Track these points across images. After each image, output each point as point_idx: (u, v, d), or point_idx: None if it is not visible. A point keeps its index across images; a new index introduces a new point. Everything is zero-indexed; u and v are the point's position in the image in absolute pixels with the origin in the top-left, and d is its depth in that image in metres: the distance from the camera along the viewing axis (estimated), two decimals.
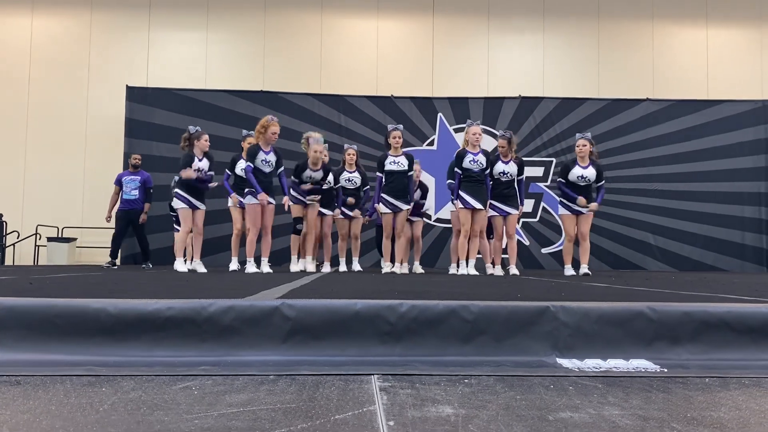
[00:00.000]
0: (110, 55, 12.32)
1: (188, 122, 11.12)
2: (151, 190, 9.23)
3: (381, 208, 7.06)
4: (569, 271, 7.20)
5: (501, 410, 1.46)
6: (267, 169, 6.61)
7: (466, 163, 6.85)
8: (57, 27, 12.36)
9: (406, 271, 7.14)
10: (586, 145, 7.10)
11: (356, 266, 7.71)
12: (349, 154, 7.85)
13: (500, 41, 12.76)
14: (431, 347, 2.08)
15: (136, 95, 11.20)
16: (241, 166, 7.26)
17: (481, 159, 6.85)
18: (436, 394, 1.61)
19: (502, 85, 12.17)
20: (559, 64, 12.70)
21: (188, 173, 6.72)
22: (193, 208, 6.85)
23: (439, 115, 11.61)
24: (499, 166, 7.12)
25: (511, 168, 7.13)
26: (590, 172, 7.06)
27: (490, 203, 7.03)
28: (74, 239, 11.48)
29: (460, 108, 11.64)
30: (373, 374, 1.85)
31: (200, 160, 6.88)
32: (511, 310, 2.14)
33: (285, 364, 1.97)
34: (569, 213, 7.16)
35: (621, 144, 11.42)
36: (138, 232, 9.16)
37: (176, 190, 6.90)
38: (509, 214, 7.13)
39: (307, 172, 7.14)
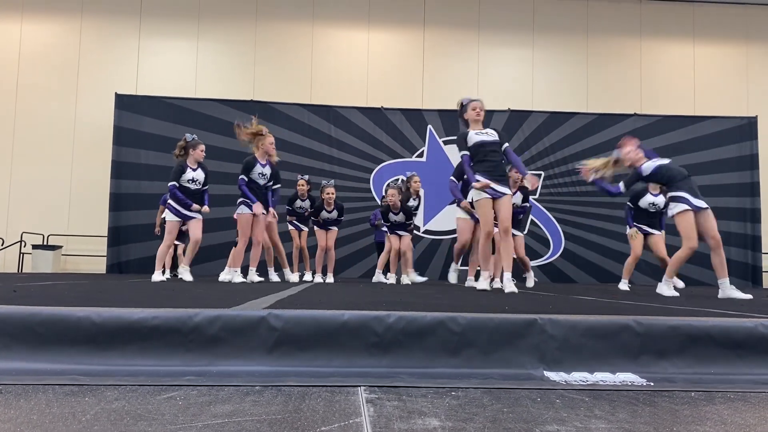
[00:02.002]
0: (100, 62, 12.28)
1: (178, 131, 11.12)
2: None
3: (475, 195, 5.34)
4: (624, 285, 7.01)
5: (488, 423, 1.45)
6: (262, 182, 6.67)
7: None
8: (46, 33, 12.31)
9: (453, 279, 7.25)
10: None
11: (330, 279, 7.98)
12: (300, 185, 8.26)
13: (490, 55, 12.87)
14: (418, 359, 2.07)
15: (125, 103, 11.15)
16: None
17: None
18: (423, 406, 1.61)
19: (491, 98, 12.19)
20: (548, 78, 12.81)
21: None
22: (187, 219, 6.75)
23: (429, 126, 11.65)
24: None
25: (516, 197, 7.36)
26: (661, 199, 7.03)
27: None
28: (60, 247, 11.38)
29: (450, 120, 11.69)
30: (359, 386, 1.84)
31: (194, 170, 6.74)
32: (498, 322, 2.14)
33: (271, 374, 1.95)
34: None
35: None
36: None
37: (169, 201, 6.75)
38: (515, 235, 7.31)
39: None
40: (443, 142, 11.65)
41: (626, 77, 12.87)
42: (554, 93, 12.62)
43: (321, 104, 11.58)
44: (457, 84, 12.66)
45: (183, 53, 12.45)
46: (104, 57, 12.31)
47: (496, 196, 5.21)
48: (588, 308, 3.10)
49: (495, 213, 5.24)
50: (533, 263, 11.45)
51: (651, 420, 1.52)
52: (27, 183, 11.86)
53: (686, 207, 5.25)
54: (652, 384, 1.97)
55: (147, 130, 11.07)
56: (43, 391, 1.71)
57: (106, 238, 10.84)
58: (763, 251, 11.54)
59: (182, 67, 12.38)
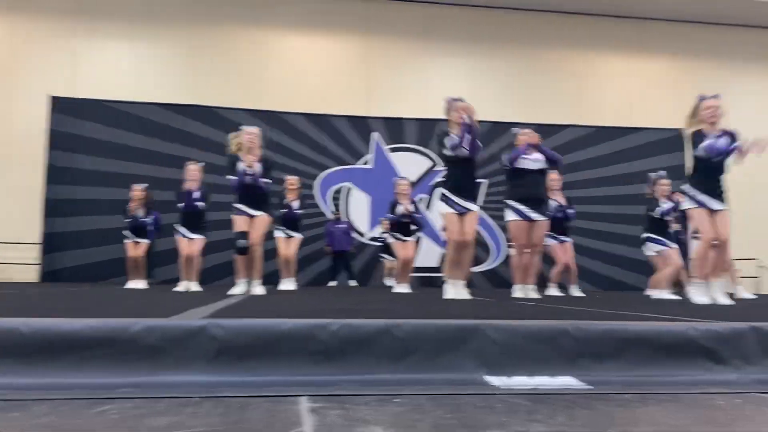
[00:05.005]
0: (33, 64, 11.80)
1: (117, 135, 10.81)
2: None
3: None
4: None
5: (430, 429, 1.46)
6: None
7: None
8: None
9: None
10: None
11: (291, 285, 7.89)
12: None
13: (434, 64, 13.03)
14: (362, 367, 2.06)
15: (61, 106, 10.76)
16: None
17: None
18: (366, 414, 1.60)
19: (436, 106, 12.35)
20: (490, 88, 13.07)
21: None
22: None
23: (374, 134, 11.70)
24: None
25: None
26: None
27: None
28: None
29: (395, 128, 11.78)
30: (302, 395, 1.82)
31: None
32: (441, 328, 2.15)
33: (211, 385, 1.91)
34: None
35: None
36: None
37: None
38: (565, 241, 7.76)
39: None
40: (389, 149, 11.72)
41: (564, 89, 13.26)
42: (496, 103, 12.87)
43: (265, 109, 11.46)
44: (402, 92, 12.77)
45: (123, 56, 12.10)
46: (38, 58, 11.83)
47: (461, 212, 5.16)
48: (528, 313, 3.16)
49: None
50: (475, 269, 11.63)
51: (588, 422, 1.56)
52: None
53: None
54: (589, 387, 2.02)
55: (86, 135, 10.70)
56: None
57: (41, 246, 10.42)
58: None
59: (123, 71, 12.03)
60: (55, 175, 10.51)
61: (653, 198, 6.99)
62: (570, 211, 7.74)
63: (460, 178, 5.22)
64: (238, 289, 5.81)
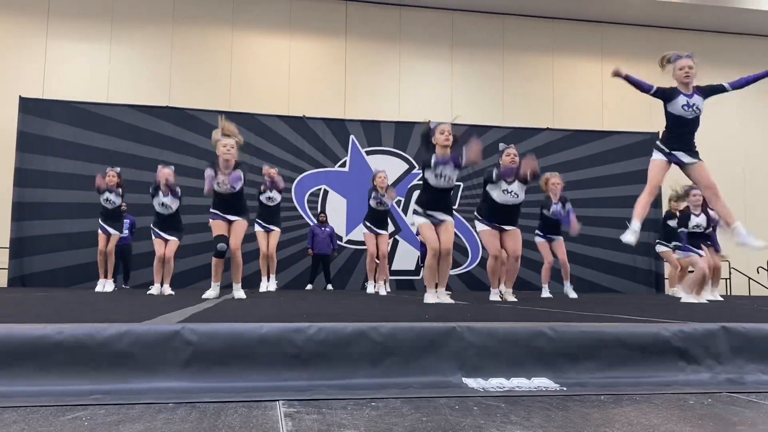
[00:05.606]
0: (4, 65, 11.56)
1: (88, 137, 10.63)
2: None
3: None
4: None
5: None
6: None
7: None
8: None
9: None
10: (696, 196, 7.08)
11: (272, 284, 7.83)
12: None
13: (411, 67, 13.06)
14: (339, 370, 2.05)
15: (30, 107, 10.54)
16: (266, 195, 8.17)
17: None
18: (343, 418, 1.59)
19: (412, 110, 12.42)
20: (467, 91, 13.15)
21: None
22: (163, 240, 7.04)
23: (351, 137, 11.68)
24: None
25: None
26: (702, 219, 7.19)
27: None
28: None
29: (372, 131, 11.77)
30: (278, 400, 1.80)
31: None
32: (418, 331, 2.15)
33: (185, 391, 1.88)
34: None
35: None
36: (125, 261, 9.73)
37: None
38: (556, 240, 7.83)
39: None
40: (366, 152, 11.71)
41: (540, 92, 13.40)
42: (472, 106, 12.95)
43: (241, 111, 11.36)
44: (379, 95, 12.78)
45: (94, 57, 11.91)
46: (7, 58, 11.60)
47: (436, 223, 5.13)
48: (505, 315, 3.18)
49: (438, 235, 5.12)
50: (452, 271, 11.67)
51: (563, 424, 1.57)
52: None
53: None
54: (565, 389, 2.04)
55: (54, 136, 10.50)
56: None
57: (7, 250, 10.20)
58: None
59: (93, 72, 11.84)
60: (23, 177, 10.30)
61: (681, 211, 7.42)
62: (571, 214, 7.65)
63: (432, 198, 5.18)
64: (212, 292, 5.75)
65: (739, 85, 4.95)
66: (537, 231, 7.90)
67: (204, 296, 5.58)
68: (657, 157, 5.01)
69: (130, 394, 1.84)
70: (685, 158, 4.87)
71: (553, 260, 7.80)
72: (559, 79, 13.53)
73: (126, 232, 9.92)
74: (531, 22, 13.60)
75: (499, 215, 6.07)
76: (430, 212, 5.14)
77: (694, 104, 4.84)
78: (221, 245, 5.68)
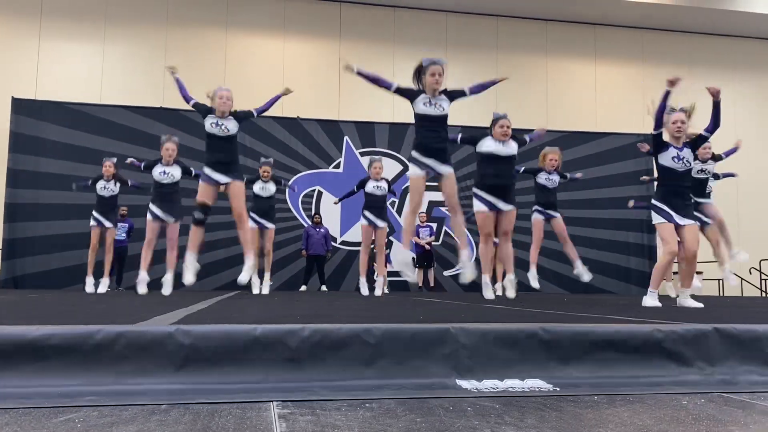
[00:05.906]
0: None
1: (81, 138, 10.59)
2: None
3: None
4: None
5: None
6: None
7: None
8: None
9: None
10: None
11: (266, 283, 7.80)
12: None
13: (405, 68, 13.03)
14: (333, 372, 2.05)
15: (23, 108, 10.51)
16: (258, 185, 8.11)
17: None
18: (337, 419, 1.59)
19: (406, 111, 12.35)
20: None
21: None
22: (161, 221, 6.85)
23: (346, 138, 11.69)
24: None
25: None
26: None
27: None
28: None
29: (366, 132, 11.78)
30: (272, 401, 1.80)
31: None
32: (412, 332, 2.15)
33: (179, 392, 1.88)
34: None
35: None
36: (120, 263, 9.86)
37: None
38: (555, 217, 7.63)
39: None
40: (360, 153, 11.71)
41: (533, 93, 13.44)
42: (468, 107, 12.95)
43: None
44: (373, 96, 12.77)
45: (88, 57, 11.89)
46: (1, 60, 11.55)
47: (433, 175, 5.30)
48: (498, 316, 3.19)
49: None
50: (447, 272, 11.68)
51: (557, 424, 1.57)
52: None
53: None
54: (558, 389, 2.04)
55: (47, 137, 10.46)
56: None
57: (0, 251, 10.15)
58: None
59: (87, 72, 11.81)
60: (15, 178, 10.25)
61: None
62: (577, 174, 7.58)
63: (426, 134, 5.37)
64: (190, 266, 5.64)
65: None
66: (535, 207, 7.57)
67: (185, 269, 5.52)
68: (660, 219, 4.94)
69: (123, 395, 1.83)
70: (681, 221, 4.85)
71: (542, 240, 7.54)
72: (553, 81, 13.58)
73: (123, 235, 9.99)
74: (525, 24, 13.64)
75: (495, 179, 6.01)
76: (427, 161, 5.22)
77: (684, 157, 4.83)
78: (198, 214, 5.65)
